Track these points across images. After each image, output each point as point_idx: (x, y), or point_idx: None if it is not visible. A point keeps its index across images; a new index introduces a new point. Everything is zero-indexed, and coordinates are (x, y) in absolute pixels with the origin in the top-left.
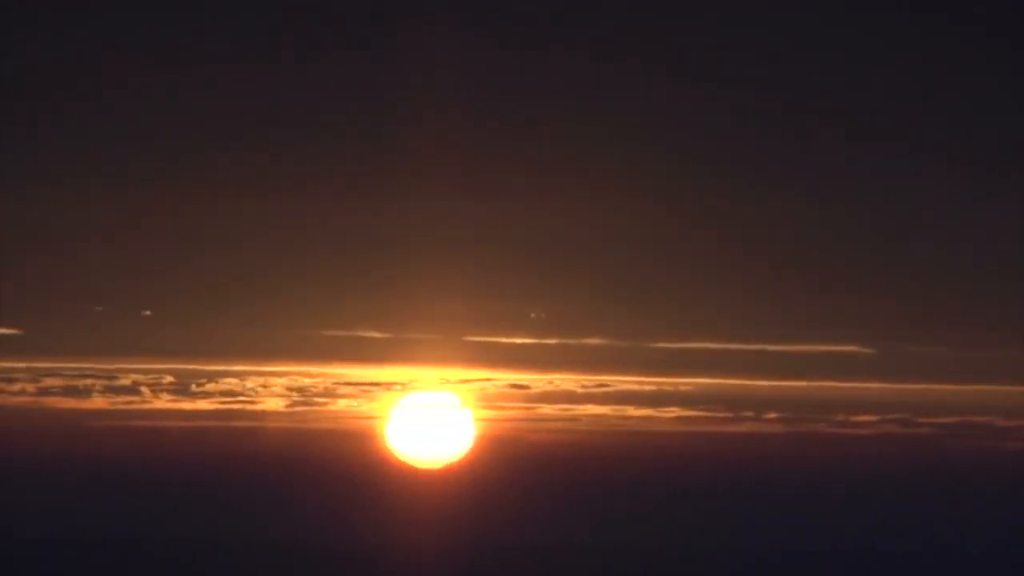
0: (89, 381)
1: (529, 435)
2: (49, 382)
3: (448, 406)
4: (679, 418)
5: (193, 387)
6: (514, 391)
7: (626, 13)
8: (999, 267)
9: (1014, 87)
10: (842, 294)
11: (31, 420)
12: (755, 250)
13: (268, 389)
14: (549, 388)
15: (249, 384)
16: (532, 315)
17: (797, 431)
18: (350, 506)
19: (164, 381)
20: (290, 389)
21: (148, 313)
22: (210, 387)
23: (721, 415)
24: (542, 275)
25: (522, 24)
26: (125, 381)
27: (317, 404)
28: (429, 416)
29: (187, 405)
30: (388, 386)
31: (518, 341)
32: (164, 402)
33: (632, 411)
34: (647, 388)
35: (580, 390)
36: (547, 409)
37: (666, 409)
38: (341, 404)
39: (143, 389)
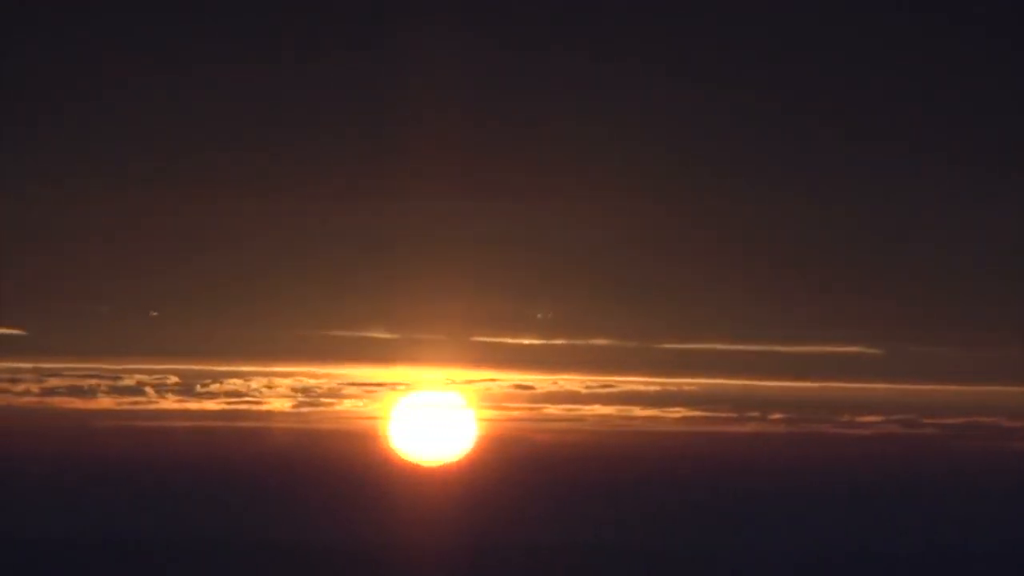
0: (93, 381)
1: (533, 435)
2: (53, 382)
3: (452, 406)
4: (684, 418)
5: (198, 387)
6: (519, 391)
7: (626, 13)
8: (1006, 267)
9: (1014, 87)
10: (848, 294)
11: (35, 420)
12: (762, 251)
13: (273, 390)
14: (554, 388)
15: (254, 384)
16: (539, 315)
17: (802, 431)
18: (351, 505)
19: (169, 382)
20: (295, 390)
21: (155, 314)
22: (214, 387)
23: (726, 415)
24: (548, 276)
25: (522, 24)
26: (129, 381)
27: (322, 404)
28: (433, 416)
29: (191, 405)
30: (394, 386)
31: (525, 342)
32: (169, 403)
33: (638, 411)
34: (652, 388)
35: (585, 390)
36: (552, 409)
37: (671, 409)
38: (347, 404)
39: (148, 389)
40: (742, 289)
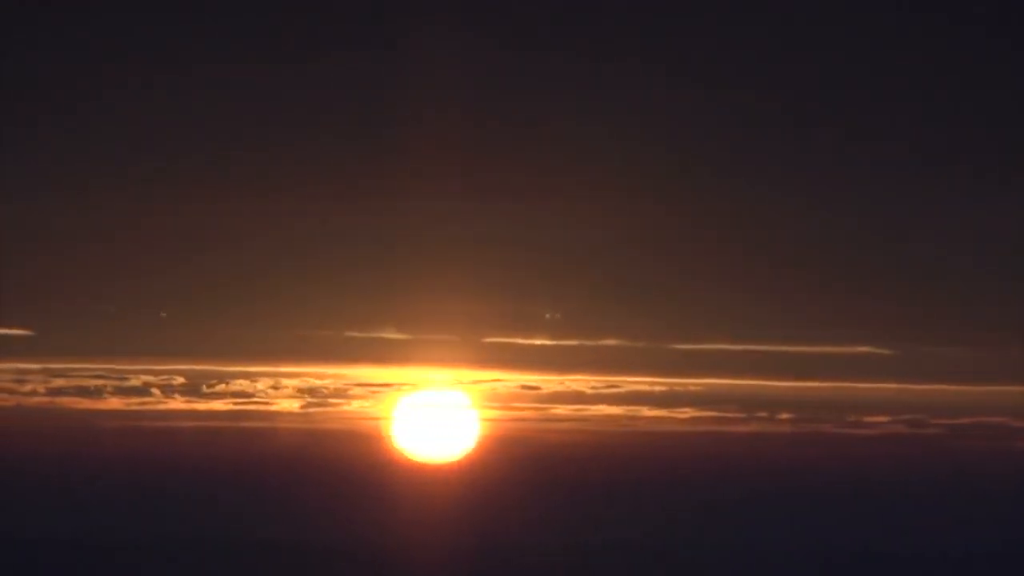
0: (100, 382)
1: (537, 434)
2: (60, 383)
3: (458, 406)
4: (692, 418)
5: (204, 388)
6: (526, 391)
7: (626, 13)
8: (1016, 268)
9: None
10: (857, 294)
11: (42, 420)
12: (771, 252)
13: (279, 390)
14: (560, 388)
15: (260, 385)
16: (547, 316)
17: (810, 431)
18: (354, 505)
19: (175, 382)
20: (302, 390)
21: (164, 315)
22: (220, 388)
23: (734, 415)
24: (557, 277)
25: (522, 24)
26: (136, 382)
27: (330, 405)
28: (438, 416)
29: (197, 406)
30: (402, 387)
31: (536, 342)
32: (175, 403)
33: (645, 411)
34: (661, 389)
35: (594, 390)
36: (559, 409)
37: (679, 410)
38: (355, 405)
39: (154, 390)
40: (751, 290)
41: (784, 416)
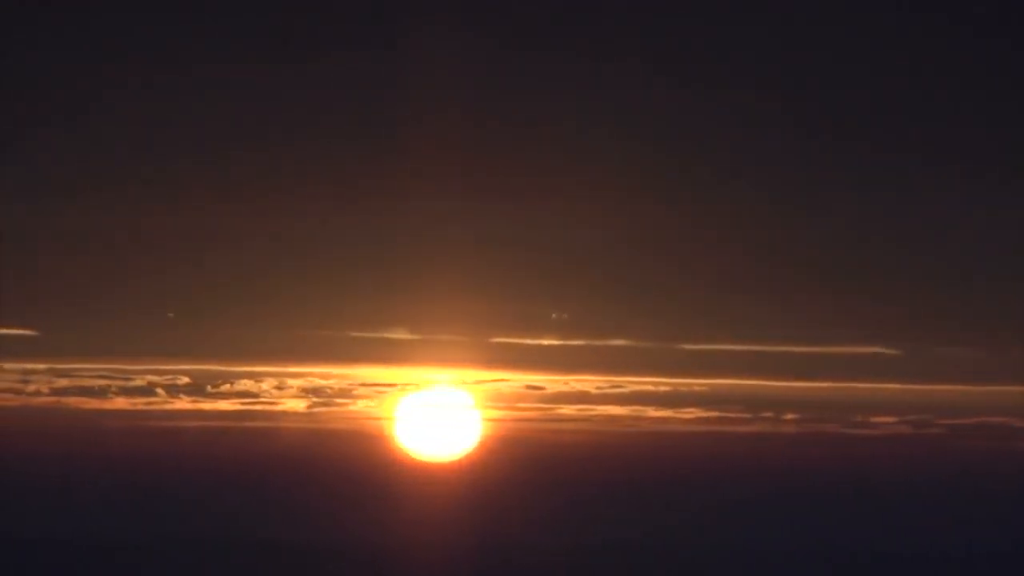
0: (104, 382)
1: (540, 434)
2: (64, 383)
3: (463, 406)
4: (697, 419)
5: (208, 388)
6: (530, 391)
7: (626, 13)
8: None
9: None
10: (863, 295)
11: (47, 420)
12: (778, 251)
13: (284, 390)
14: (565, 388)
15: (265, 385)
16: (552, 316)
17: (815, 432)
18: (356, 504)
19: (180, 382)
20: (306, 390)
21: (172, 315)
22: (225, 388)
23: (739, 416)
24: (563, 277)
25: (522, 24)
26: (140, 382)
27: (335, 405)
28: (442, 416)
29: (202, 406)
30: (408, 387)
31: (544, 343)
32: (179, 403)
33: (651, 412)
34: (666, 389)
35: (599, 391)
36: (565, 409)
37: (685, 410)
38: (360, 405)
39: (159, 390)
40: (756, 290)
41: (789, 416)
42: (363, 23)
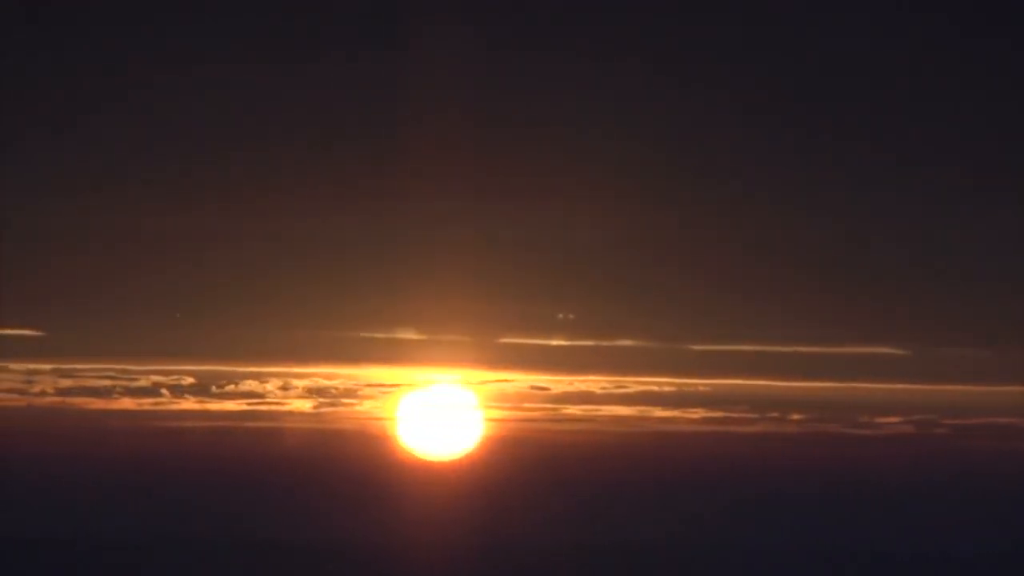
0: (109, 382)
1: (545, 434)
2: (69, 383)
3: (467, 405)
4: (702, 419)
5: (213, 388)
6: (535, 392)
7: (626, 13)
8: None
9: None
10: (870, 295)
11: (52, 421)
12: (783, 252)
13: (289, 390)
14: (570, 389)
15: (270, 386)
16: (559, 316)
17: (821, 432)
18: (358, 504)
19: (185, 383)
20: (311, 390)
21: (179, 315)
22: (230, 388)
23: (744, 416)
24: (568, 278)
25: (522, 24)
26: (145, 383)
27: (341, 405)
28: (447, 415)
29: (207, 406)
30: (413, 387)
31: (553, 343)
32: (185, 403)
33: (656, 412)
34: (672, 389)
35: (604, 391)
36: (571, 409)
37: (691, 410)
38: (366, 405)
39: (164, 391)
40: (762, 291)
41: (795, 416)
42: (363, 23)
